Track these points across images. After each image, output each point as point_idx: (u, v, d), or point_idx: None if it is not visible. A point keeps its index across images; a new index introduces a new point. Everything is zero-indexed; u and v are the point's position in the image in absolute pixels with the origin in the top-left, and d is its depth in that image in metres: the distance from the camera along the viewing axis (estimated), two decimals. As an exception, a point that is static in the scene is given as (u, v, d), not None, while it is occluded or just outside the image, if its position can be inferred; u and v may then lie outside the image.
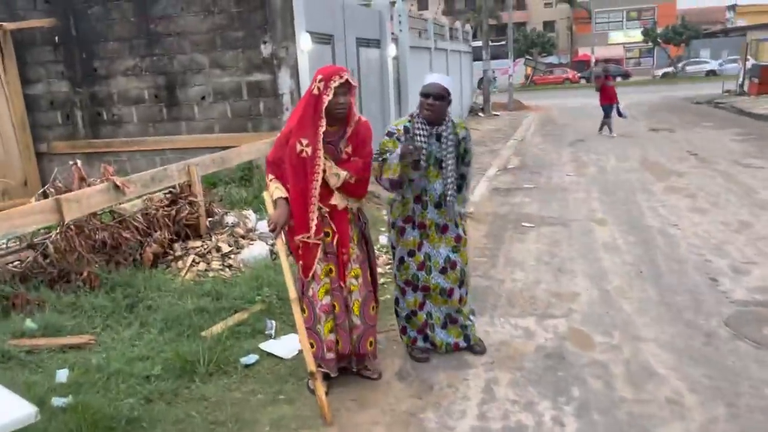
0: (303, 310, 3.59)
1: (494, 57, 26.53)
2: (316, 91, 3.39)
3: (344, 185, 3.52)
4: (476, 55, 26.03)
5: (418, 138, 3.83)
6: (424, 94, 3.79)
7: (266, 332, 4.49)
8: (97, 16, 8.86)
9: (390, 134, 3.89)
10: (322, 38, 9.63)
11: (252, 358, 4.11)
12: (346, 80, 3.37)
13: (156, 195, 5.71)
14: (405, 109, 14.23)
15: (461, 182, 4.01)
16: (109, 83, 9.02)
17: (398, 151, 3.65)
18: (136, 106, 9.00)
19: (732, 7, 56.96)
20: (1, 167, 8.84)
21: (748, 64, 26.21)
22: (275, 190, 3.56)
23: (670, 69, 47.07)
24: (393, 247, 4.10)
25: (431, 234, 3.95)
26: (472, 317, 4.25)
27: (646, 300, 5.06)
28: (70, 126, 9.32)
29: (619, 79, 45.26)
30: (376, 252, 6.58)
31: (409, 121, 3.89)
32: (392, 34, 13.47)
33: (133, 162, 9.13)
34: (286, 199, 3.51)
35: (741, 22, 50.88)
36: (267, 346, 4.29)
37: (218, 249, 5.69)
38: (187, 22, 8.59)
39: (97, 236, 5.05)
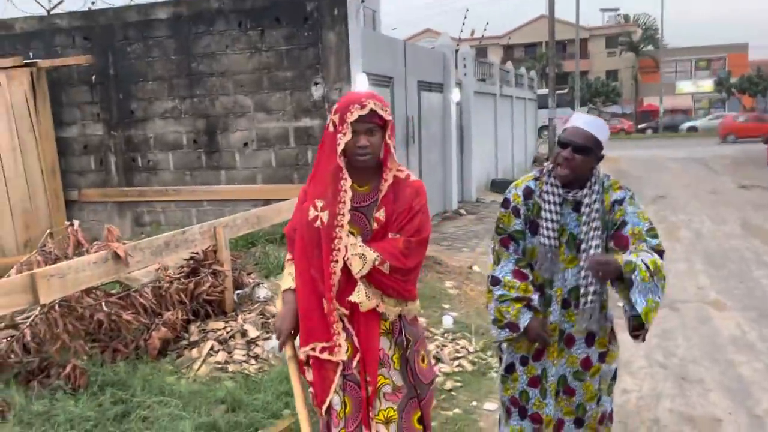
0: None
1: (558, 105, 25.31)
2: (331, 128, 2.25)
3: (373, 274, 2.25)
4: (540, 103, 24.85)
5: (546, 207, 2.61)
6: (562, 143, 2.59)
7: (294, 466, 3.27)
8: (137, 54, 8.12)
9: (506, 204, 2.72)
10: (381, 80, 8.65)
11: None
12: (371, 111, 2.18)
13: (170, 263, 4.65)
14: (468, 159, 13.10)
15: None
16: (145, 127, 8.21)
17: (528, 318, 2.60)
18: (173, 151, 8.14)
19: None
20: (27, 217, 8.06)
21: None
22: (287, 276, 2.42)
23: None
24: (500, 349, 2.90)
25: (552, 344, 2.69)
26: None
27: (821, 437, 3.62)
28: (102, 172, 8.51)
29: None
30: (440, 339, 5.34)
31: (536, 179, 2.70)
32: (456, 78, 12.45)
33: (168, 213, 8.23)
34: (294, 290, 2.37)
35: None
36: (292, 492, 3.06)
37: (244, 333, 4.55)
38: (232, 60, 7.72)
39: (90, 316, 3.99)
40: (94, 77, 8.32)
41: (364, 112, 2.16)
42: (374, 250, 2.24)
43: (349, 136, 2.18)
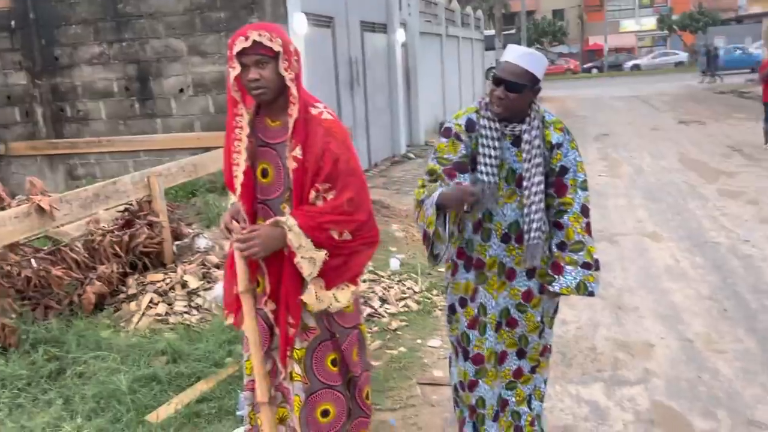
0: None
1: (505, 46, 25.23)
2: (228, 65, 2.14)
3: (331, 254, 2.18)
4: (487, 45, 24.67)
5: (484, 142, 2.53)
6: (495, 79, 2.48)
7: (238, 413, 3.25)
8: (57, -4, 7.60)
9: (447, 133, 2.60)
10: (321, 20, 8.36)
11: (213, 462, 2.88)
12: (254, 42, 2.04)
13: (104, 215, 4.46)
14: (415, 102, 12.96)
15: (562, 215, 2.60)
16: (72, 74, 7.77)
17: (439, 190, 2.37)
18: (104, 100, 7.75)
19: (746, -6, 55.23)
20: (-50, 173, 7.63)
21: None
22: (231, 197, 2.33)
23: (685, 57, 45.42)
24: (447, 287, 2.84)
25: (491, 278, 2.67)
26: (536, 405, 2.92)
27: (745, 355, 3.80)
28: (29, 124, 8.07)
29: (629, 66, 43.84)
30: (386, 281, 5.36)
31: (476, 112, 2.59)
32: (401, 19, 12.17)
33: (103, 165, 7.90)
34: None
35: (754, 10, 49.25)
36: (236, 437, 3.05)
37: (184, 284, 4.45)
38: (161, 1, 7.31)
39: (18, 274, 3.82)
40: (13, 22, 7.77)
41: (248, 44, 2.04)
42: (294, 217, 2.13)
43: (238, 70, 2.08)
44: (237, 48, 2.05)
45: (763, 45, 29.20)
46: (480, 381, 2.76)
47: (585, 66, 47.55)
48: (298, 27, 7.22)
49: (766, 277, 5.03)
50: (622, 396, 3.43)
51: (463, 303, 2.72)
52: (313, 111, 2.18)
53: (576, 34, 52.47)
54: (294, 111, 2.11)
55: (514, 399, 2.82)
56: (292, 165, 2.14)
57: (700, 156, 10.68)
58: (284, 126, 2.17)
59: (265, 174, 2.21)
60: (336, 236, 2.18)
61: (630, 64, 44.95)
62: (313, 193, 2.17)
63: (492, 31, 25.15)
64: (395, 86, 11.81)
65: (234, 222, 2.18)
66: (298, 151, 2.13)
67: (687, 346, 3.98)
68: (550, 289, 2.62)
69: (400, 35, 11.94)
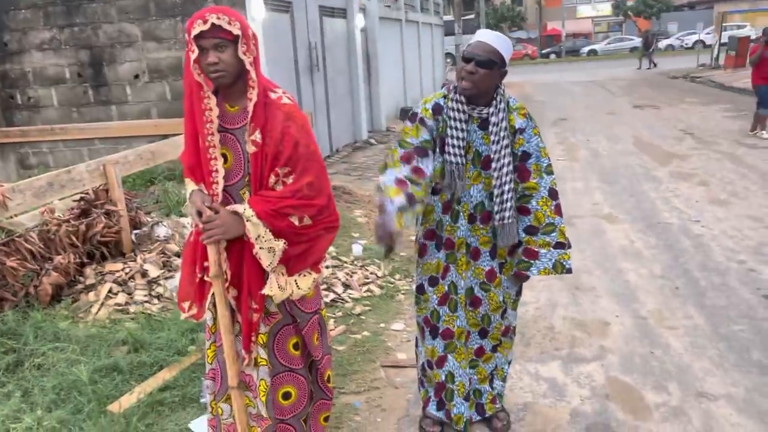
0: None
1: (464, 32, 25.30)
2: (186, 49, 2.12)
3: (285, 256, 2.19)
4: (446, 30, 24.72)
5: (452, 124, 2.58)
6: (465, 57, 2.54)
7: (201, 400, 3.24)
8: (4, -21, 7.33)
9: (413, 117, 2.64)
10: (279, 5, 8.27)
11: (177, 450, 2.88)
12: (213, 25, 2.02)
13: (59, 205, 4.36)
14: (376, 88, 12.94)
15: (528, 199, 2.67)
16: (22, 60, 7.53)
17: (397, 202, 2.36)
18: (56, 86, 7.54)
19: (698, -20, 56.48)
20: None
21: (724, 37, 25.46)
22: (189, 184, 2.29)
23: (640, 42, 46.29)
24: (415, 272, 2.92)
25: (460, 258, 2.74)
26: (498, 385, 3.02)
27: (695, 331, 3.96)
28: (-23, 112, 7.80)
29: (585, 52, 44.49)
30: (349, 267, 5.38)
31: (444, 97, 2.65)
32: (360, 4, 12.10)
33: (56, 154, 7.70)
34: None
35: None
36: (200, 425, 3.05)
37: (144, 273, 4.39)
38: (113, -16, 7.13)
39: (-30, 266, 3.71)
40: (-44, 6, 7.48)
41: (206, 26, 2.02)
42: (251, 207, 2.12)
43: (197, 53, 2.06)
44: (195, 31, 2.02)
45: (714, 31, 29.97)
46: (449, 356, 2.83)
47: (543, 51, 48.09)
48: (256, 12, 7.13)
49: (715, 255, 5.23)
50: (579, 373, 3.55)
51: (433, 282, 2.79)
52: (272, 96, 2.18)
53: (534, 19, 52.97)
54: (253, 95, 2.10)
55: (476, 377, 2.91)
56: (251, 149, 2.14)
57: (653, 140, 10.96)
58: (242, 111, 2.17)
59: (224, 160, 2.20)
60: (296, 222, 2.18)
61: (587, 49, 45.64)
62: (272, 178, 2.17)
63: (451, 17, 25.18)
64: (356, 72, 11.77)
65: (206, 208, 2.15)
66: (257, 135, 2.12)
67: (640, 323, 4.12)
68: (528, 274, 2.69)
69: (359, 20, 11.89)
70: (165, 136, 6.50)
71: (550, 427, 3.06)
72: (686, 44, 42.18)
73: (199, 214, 2.14)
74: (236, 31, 2.05)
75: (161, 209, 5.75)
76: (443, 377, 2.86)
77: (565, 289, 4.73)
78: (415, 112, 2.67)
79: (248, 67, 2.09)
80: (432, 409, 2.96)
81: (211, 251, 2.15)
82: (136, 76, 7.36)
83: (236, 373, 2.23)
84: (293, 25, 8.77)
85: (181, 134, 5.43)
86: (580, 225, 6.31)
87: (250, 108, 2.11)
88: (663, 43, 44.44)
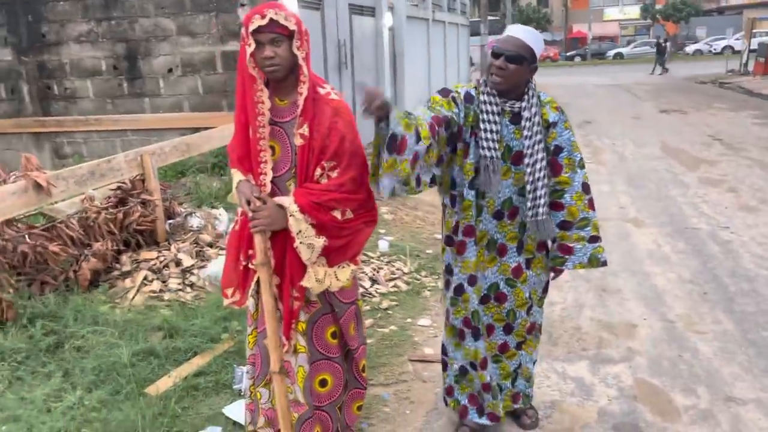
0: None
1: (490, 32, 25.23)
2: (242, 42, 2.19)
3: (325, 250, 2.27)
4: (472, 31, 24.68)
5: (485, 117, 2.55)
6: (494, 53, 2.52)
7: (234, 386, 3.33)
8: (44, -29, 7.50)
9: (445, 93, 2.59)
10: (311, 2, 8.35)
11: (213, 433, 2.96)
12: (271, 20, 2.09)
13: (96, 193, 4.48)
14: (401, 86, 12.97)
15: (561, 194, 2.65)
16: (60, 51, 7.69)
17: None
18: (92, 78, 7.69)
19: (728, -15, 55.71)
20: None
21: (754, 43, 25.08)
22: (236, 175, 2.35)
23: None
24: (448, 272, 2.80)
25: (480, 251, 2.71)
26: (520, 384, 3.01)
27: (724, 336, 3.96)
28: (15, 101, 7.98)
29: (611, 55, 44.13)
30: (376, 262, 5.44)
31: (475, 88, 2.63)
32: (388, 2, 12.14)
33: (90, 144, 7.86)
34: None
35: (736, 1, 49.77)
36: (233, 410, 3.13)
37: (178, 262, 4.49)
38: (150, -21, 7.26)
39: (14, 249, 3.83)
40: (-3, -3, 7.67)
41: (264, 21, 2.08)
42: (296, 202, 2.17)
43: (253, 47, 2.12)
44: (253, 26, 2.09)
45: (743, 36, 29.53)
46: (490, 360, 2.85)
47: (568, 54, 47.81)
48: (290, 8, 7.21)
49: (744, 262, 5.20)
50: (606, 373, 3.57)
51: (472, 281, 2.72)
52: (321, 91, 2.25)
53: (560, 21, 52.65)
54: (304, 89, 2.17)
55: (498, 372, 2.90)
56: (298, 142, 2.20)
57: (681, 144, 10.88)
58: (292, 105, 2.24)
59: (272, 151, 2.27)
60: (339, 216, 2.25)
61: (612, 52, 45.30)
62: (318, 171, 2.24)
63: (477, 19, 25.15)
64: (382, 70, 11.81)
65: (254, 198, 2.22)
66: (305, 129, 2.19)
67: (668, 326, 4.13)
68: (564, 269, 2.71)
69: (387, 19, 11.93)
70: (196, 129, 6.62)
71: (578, 425, 3.09)
72: (715, 49, 41.71)
73: (248, 203, 2.21)
74: (292, 27, 2.12)
75: (193, 200, 5.87)
76: (488, 379, 2.83)
77: (592, 290, 4.75)
78: (447, 89, 2.62)
79: (301, 62, 2.15)
80: (474, 418, 2.91)
81: (258, 239, 2.22)
82: (170, 70, 7.49)
83: (279, 358, 2.30)
84: (323, 22, 8.84)
85: (212, 128, 5.53)
86: (606, 228, 6.29)
87: (301, 102, 2.18)
88: (691, 48, 44.02)
